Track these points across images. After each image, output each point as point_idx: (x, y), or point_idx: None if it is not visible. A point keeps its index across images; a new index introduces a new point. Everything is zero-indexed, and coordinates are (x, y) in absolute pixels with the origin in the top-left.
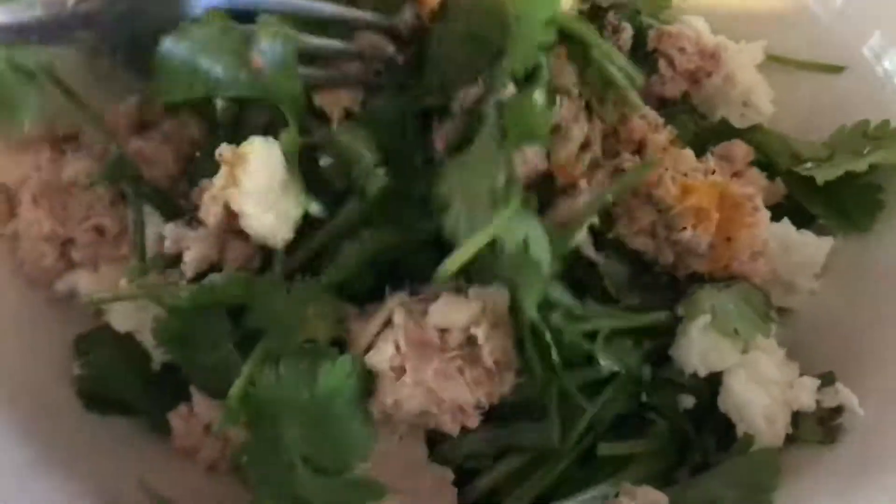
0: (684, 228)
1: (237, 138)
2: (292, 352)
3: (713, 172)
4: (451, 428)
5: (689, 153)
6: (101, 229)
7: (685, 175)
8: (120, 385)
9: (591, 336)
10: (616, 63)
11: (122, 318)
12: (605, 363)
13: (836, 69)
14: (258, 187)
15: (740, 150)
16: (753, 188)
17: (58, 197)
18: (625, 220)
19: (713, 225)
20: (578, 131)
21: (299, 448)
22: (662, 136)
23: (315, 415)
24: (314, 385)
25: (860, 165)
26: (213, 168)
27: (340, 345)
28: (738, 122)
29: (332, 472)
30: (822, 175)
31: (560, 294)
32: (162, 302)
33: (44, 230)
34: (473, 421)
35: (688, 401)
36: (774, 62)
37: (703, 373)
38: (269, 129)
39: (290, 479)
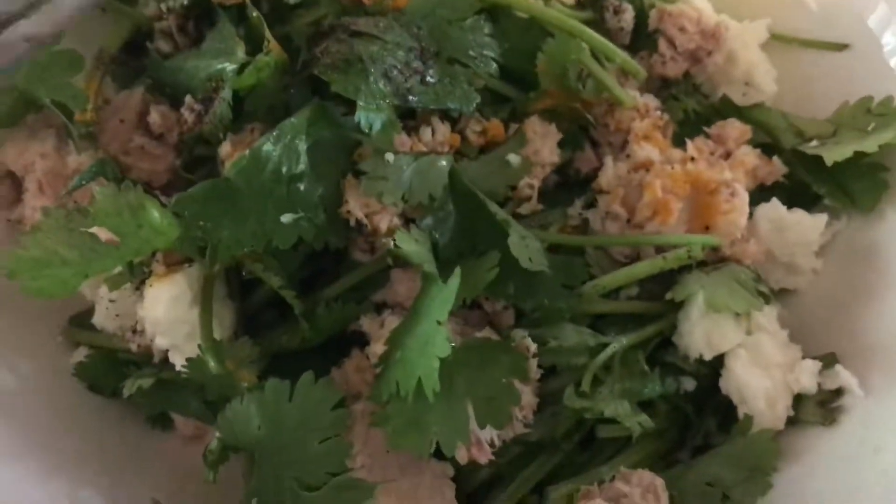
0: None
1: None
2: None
3: (692, 160)
4: (461, 457)
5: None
6: None
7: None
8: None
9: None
10: (615, 59)
11: (104, 318)
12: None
13: (840, 47)
14: (158, 318)
15: (733, 131)
16: (739, 172)
17: (62, 184)
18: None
19: (672, 215)
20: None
21: (285, 472)
22: (645, 123)
23: (282, 442)
24: (269, 421)
25: (870, 146)
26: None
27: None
28: (740, 101)
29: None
30: (831, 155)
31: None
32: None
33: None
34: (485, 457)
35: (689, 383)
36: (777, 41)
37: (708, 356)
38: (270, 117)
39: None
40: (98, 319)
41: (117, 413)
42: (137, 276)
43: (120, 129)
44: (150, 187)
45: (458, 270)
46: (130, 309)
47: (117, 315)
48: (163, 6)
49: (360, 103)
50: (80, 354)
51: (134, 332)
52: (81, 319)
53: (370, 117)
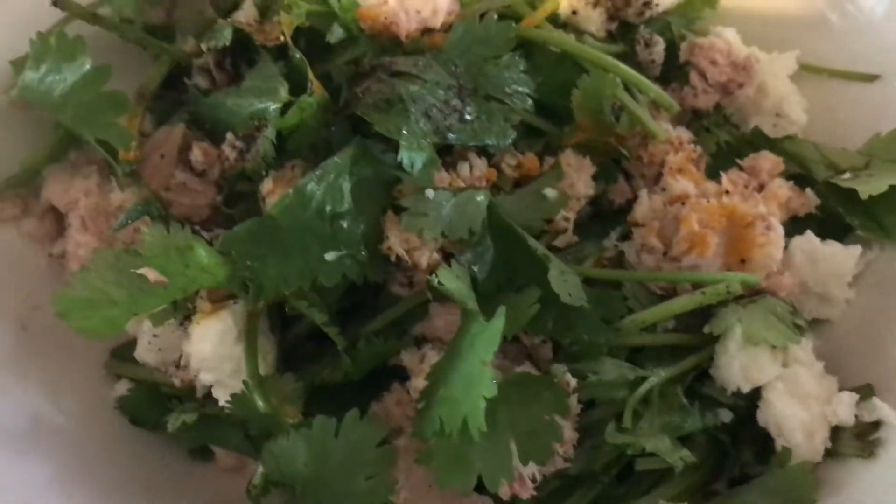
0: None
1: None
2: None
3: (726, 193)
4: (504, 493)
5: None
6: None
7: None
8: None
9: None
10: (648, 93)
11: (146, 353)
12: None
13: (870, 77)
14: (204, 354)
15: (766, 163)
16: (773, 205)
17: (105, 221)
18: (635, 258)
19: (709, 249)
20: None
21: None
22: (679, 156)
23: (327, 478)
24: (315, 458)
25: None
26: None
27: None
28: (770, 132)
29: None
30: (866, 189)
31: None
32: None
33: (92, 252)
34: (527, 492)
35: (726, 415)
36: (807, 71)
37: (746, 389)
38: (311, 154)
39: None
40: (140, 353)
41: (158, 445)
42: (181, 311)
43: (161, 164)
44: (191, 222)
45: (502, 310)
46: (173, 343)
47: (160, 349)
48: (203, 45)
49: (403, 143)
50: (123, 387)
51: (177, 366)
52: (123, 352)
53: (412, 156)
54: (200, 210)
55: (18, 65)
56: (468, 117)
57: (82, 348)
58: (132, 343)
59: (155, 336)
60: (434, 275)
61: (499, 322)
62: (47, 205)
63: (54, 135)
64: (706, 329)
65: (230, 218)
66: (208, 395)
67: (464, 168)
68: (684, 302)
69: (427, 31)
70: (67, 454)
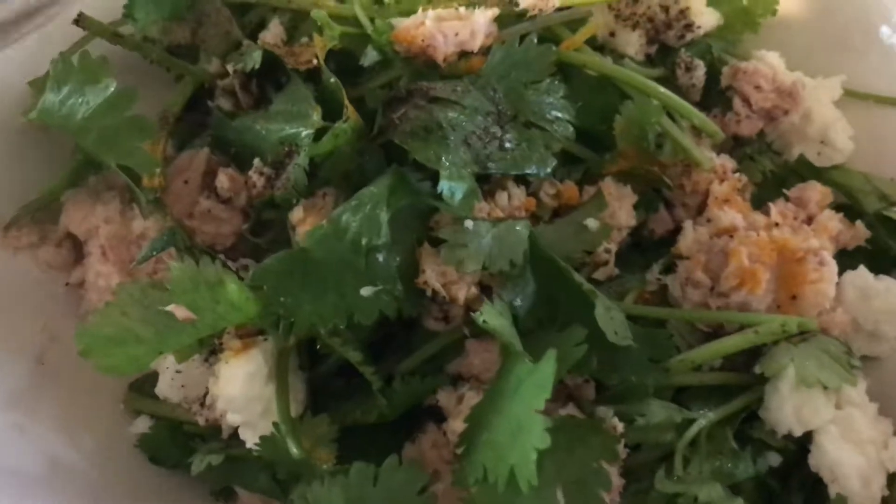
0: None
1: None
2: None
3: (776, 225)
4: None
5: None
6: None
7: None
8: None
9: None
10: (692, 120)
11: (168, 389)
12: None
13: None
14: (233, 395)
15: (815, 194)
16: (823, 238)
17: (127, 249)
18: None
19: (760, 285)
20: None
21: None
22: (725, 186)
23: None
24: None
25: None
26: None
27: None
28: (815, 160)
29: None
30: None
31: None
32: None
33: (113, 283)
34: None
35: (774, 458)
36: (851, 97)
37: (798, 432)
38: (343, 182)
39: None
40: (162, 389)
41: (179, 485)
42: (207, 347)
43: (184, 190)
44: (214, 250)
45: (552, 353)
46: (197, 380)
47: (183, 385)
48: (229, 66)
49: (443, 173)
50: (142, 423)
51: (202, 405)
52: (141, 386)
53: (452, 186)
54: (225, 238)
55: (37, 85)
56: (508, 145)
57: (100, 382)
58: (152, 377)
59: (178, 372)
60: (477, 311)
61: (549, 366)
62: (65, 232)
63: (73, 159)
64: (757, 369)
65: (256, 247)
66: (234, 435)
67: (502, 197)
68: (737, 341)
69: (464, 53)
70: (85, 496)
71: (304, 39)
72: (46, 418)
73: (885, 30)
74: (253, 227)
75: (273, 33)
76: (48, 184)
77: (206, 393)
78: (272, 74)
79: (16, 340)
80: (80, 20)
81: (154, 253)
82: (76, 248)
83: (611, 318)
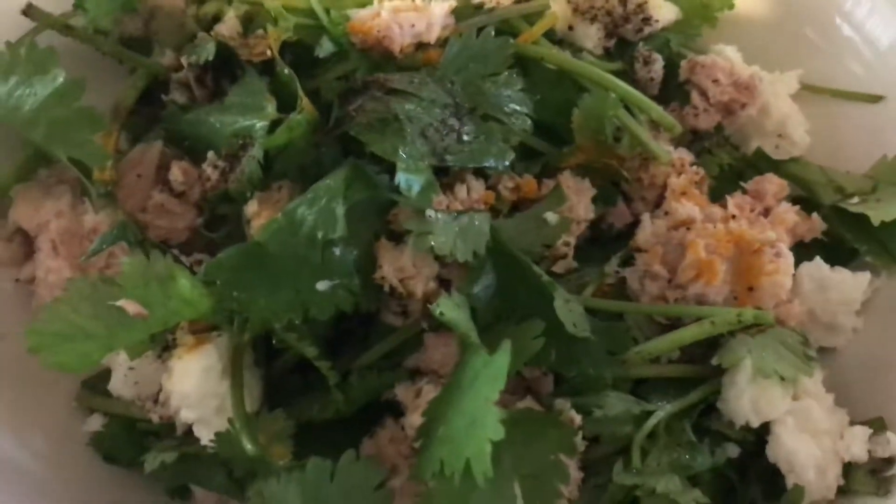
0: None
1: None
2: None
3: (733, 217)
4: None
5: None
6: None
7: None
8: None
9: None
10: (650, 114)
11: (121, 386)
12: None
13: (874, 98)
14: (187, 392)
15: (772, 186)
16: (780, 230)
17: (78, 244)
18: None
19: (717, 276)
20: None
21: None
22: (682, 179)
23: None
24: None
25: None
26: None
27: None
28: (772, 153)
29: None
30: (877, 215)
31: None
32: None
33: (63, 279)
34: None
35: (733, 450)
36: (808, 91)
37: (755, 423)
38: (298, 175)
39: None
40: (115, 386)
41: (133, 483)
42: (159, 343)
43: (137, 184)
44: (168, 245)
45: (507, 345)
46: (151, 377)
47: (136, 382)
48: (184, 59)
49: (400, 165)
50: (96, 421)
51: (155, 402)
52: (94, 383)
53: (409, 179)
54: (179, 233)
55: None
56: (466, 138)
57: (51, 380)
58: (104, 374)
59: (131, 368)
60: (434, 304)
61: (503, 358)
62: (15, 227)
63: (23, 152)
64: (714, 361)
65: (211, 242)
66: (188, 432)
67: (461, 190)
68: (693, 332)
69: (421, 45)
70: (37, 496)
71: (260, 31)
72: None
73: (840, 23)
74: (207, 222)
75: (228, 26)
76: None
77: (160, 390)
78: (228, 67)
79: None
80: (28, 11)
81: (104, 247)
82: (26, 244)
83: (569, 311)
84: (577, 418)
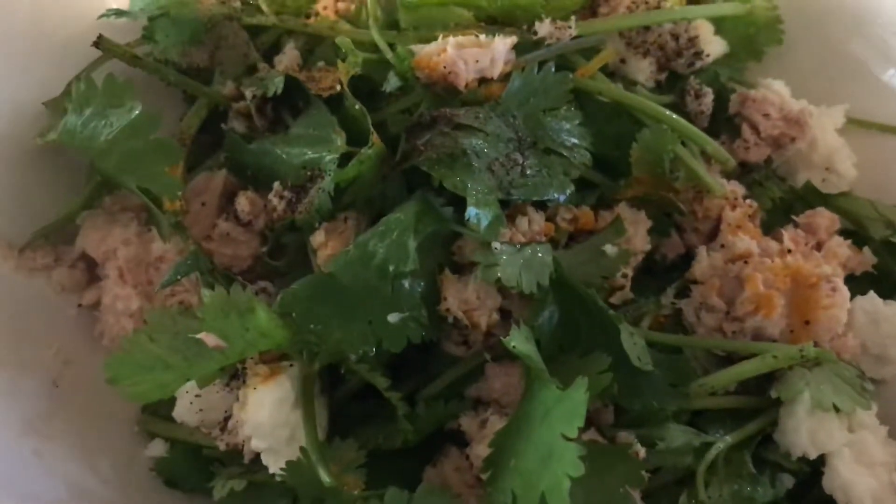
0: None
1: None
2: None
3: (789, 251)
4: None
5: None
6: (188, 306)
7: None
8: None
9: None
10: (706, 147)
11: (186, 412)
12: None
13: None
14: (261, 422)
15: (824, 220)
16: (834, 264)
17: (144, 272)
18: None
19: (775, 310)
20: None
21: None
22: (737, 213)
23: None
24: None
25: None
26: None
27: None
28: (820, 187)
29: None
30: None
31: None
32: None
33: (132, 307)
34: None
35: (789, 480)
36: (855, 125)
37: (813, 455)
38: (363, 206)
39: None
40: (180, 413)
41: None
42: (228, 372)
43: (202, 212)
44: (231, 272)
45: (583, 381)
46: (217, 404)
47: (201, 410)
48: (247, 91)
49: (470, 199)
50: (157, 447)
51: (222, 429)
52: (155, 408)
53: (479, 213)
54: (242, 261)
55: (52, 106)
56: (529, 171)
57: (114, 405)
58: (166, 399)
59: (197, 396)
60: (505, 337)
61: (580, 394)
62: (80, 253)
63: (90, 181)
64: (773, 393)
65: (272, 269)
66: (255, 460)
67: (523, 223)
68: (756, 365)
69: (483, 80)
70: None
71: (321, 64)
72: (63, 443)
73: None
74: (271, 250)
75: (289, 57)
76: (62, 205)
77: (227, 417)
78: (287, 98)
79: (31, 365)
80: (99, 42)
81: (179, 277)
82: (89, 270)
83: (634, 344)
84: (642, 451)
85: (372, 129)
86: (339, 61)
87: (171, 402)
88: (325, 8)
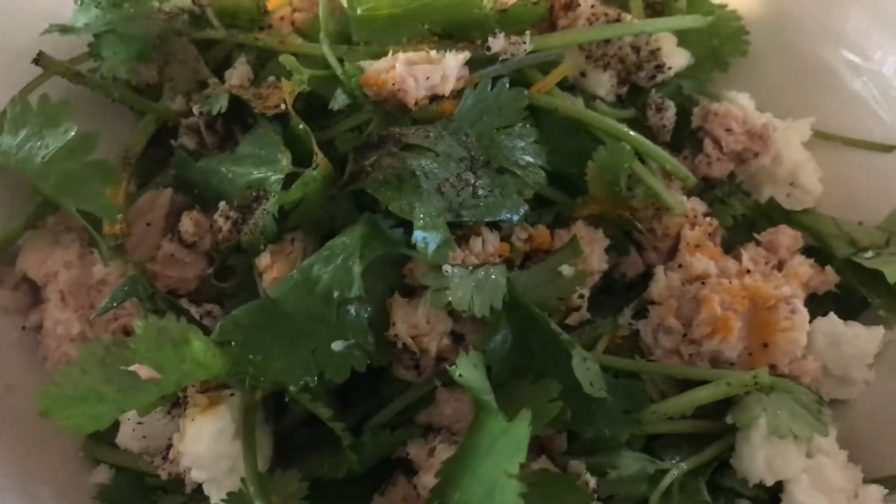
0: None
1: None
2: None
3: (748, 272)
4: None
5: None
6: (130, 331)
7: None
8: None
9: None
10: (665, 165)
11: (129, 440)
12: None
13: (888, 148)
14: (200, 454)
15: (785, 238)
16: (795, 284)
17: (86, 295)
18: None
19: (732, 333)
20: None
21: None
22: (696, 231)
23: None
24: None
25: None
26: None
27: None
28: (784, 202)
29: None
30: (894, 271)
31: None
32: None
33: (73, 331)
34: None
35: None
36: (821, 139)
37: (770, 482)
38: (310, 227)
39: None
40: (123, 440)
41: None
42: (169, 400)
43: (147, 233)
44: (177, 294)
45: (527, 415)
46: (159, 431)
47: (144, 437)
48: (195, 108)
49: (417, 223)
50: (102, 473)
51: (164, 458)
52: (101, 435)
53: (427, 236)
54: (188, 283)
55: None
56: (481, 192)
57: (58, 431)
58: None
59: (139, 423)
60: (451, 365)
61: (523, 428)
62: (21, 275)
63: (32, 201)
64: (729, 419)
65: (220, 291)
66: (197, 489)
67: (476, 244)
68: (710, 392)
69: (435, 97)
70: None
71: (272, 79)
72: (3, 470)
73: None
74: (217, 272)
75: (240, 72)
76: (3, 226)
77: (169, 446)
78: (238, 114)
79: None
80: (40, 59)
81: (115, 304)
82: (32, 292)
83: (586, 370)
84: (593, 482)
85: (317, 149)
86: (284, 80)
87: (116, 427)
88: (281, 19)
